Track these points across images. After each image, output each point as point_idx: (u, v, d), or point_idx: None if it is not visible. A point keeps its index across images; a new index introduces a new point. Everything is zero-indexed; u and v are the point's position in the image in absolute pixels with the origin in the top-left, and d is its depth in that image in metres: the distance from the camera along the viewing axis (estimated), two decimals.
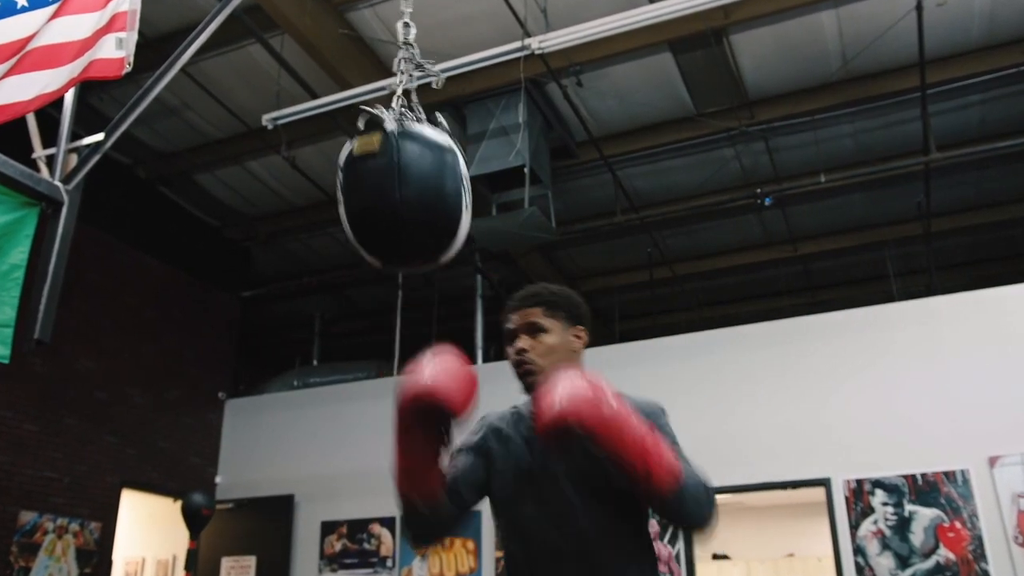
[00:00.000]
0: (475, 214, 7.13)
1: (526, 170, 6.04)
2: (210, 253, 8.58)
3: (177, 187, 8.00)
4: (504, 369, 1.91)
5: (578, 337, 1.85)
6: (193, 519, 6.45)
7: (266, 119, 6.09)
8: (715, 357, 6.52)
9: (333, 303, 10.10)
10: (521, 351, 1.80)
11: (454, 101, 6.47)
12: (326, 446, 7.61)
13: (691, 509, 1.56)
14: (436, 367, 1.57)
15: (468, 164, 7.03)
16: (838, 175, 6.86)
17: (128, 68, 2.62)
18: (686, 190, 7.66)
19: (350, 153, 1.90)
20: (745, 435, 6.12)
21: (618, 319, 9.72)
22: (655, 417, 1.71)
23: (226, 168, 7.72)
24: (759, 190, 6.83)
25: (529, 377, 1.78)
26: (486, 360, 7.97)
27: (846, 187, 7.43)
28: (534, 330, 1.81)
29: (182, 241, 8.22)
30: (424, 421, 1.57)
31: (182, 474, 7.59)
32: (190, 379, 7.94)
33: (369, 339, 10.75)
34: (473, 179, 6.19)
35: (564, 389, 1.49)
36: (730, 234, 8.58)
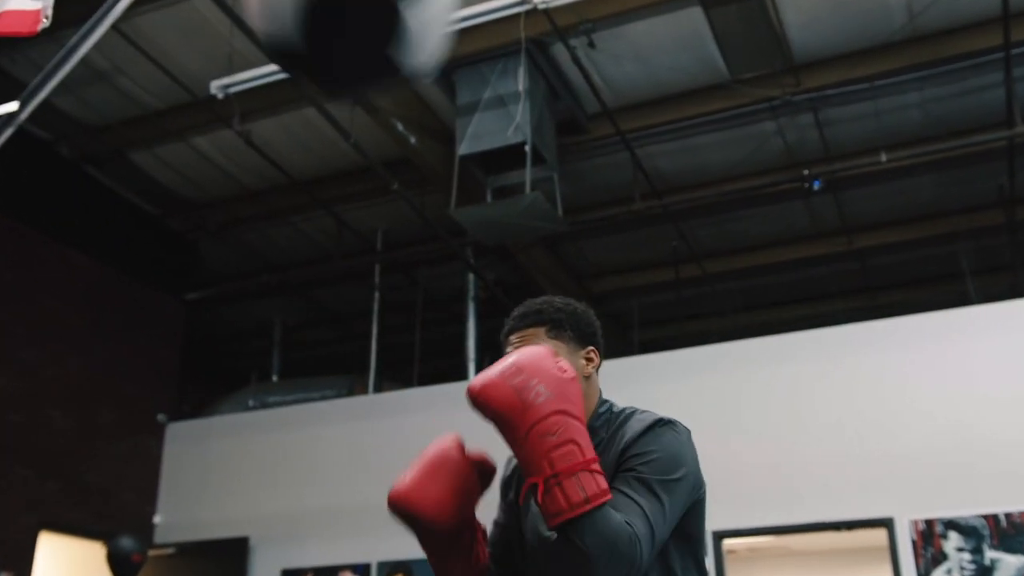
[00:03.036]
0: (468, 201, 7.07)
1: (527, 148, 6.03)
2: (149, 247, 8.57)
3: (108, 168, 7.99)
4: None
5: (589, 360, 1.86)
6: (121, 567, 6.40)
7: (215, 86, 6.07)
8: (754, 371, 6.51)
9: (297, 306, 10.09)
10: None
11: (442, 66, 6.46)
12: (288, 478, 7.59)
13: (591, 552, 1.47)
14: (419, 468, 1.74)
15: (459, 141, 6.85)
16: (902, 153, 6.86)
17: (46, 23, 2.61)
18: (719, 172, 7.65)
19: None
20: (790, 465, 6.10)
21: (638, 326, 9.72)
22: (642, 431, 1.70)
23: (168, 145, 7.71)
24: (806, 171, 6.83)
25: None
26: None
27: (912, 167, 7.42)
28: None
29: (115, 233, 8.20)
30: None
31: (113, 513, 7.57)
32: (124, 399, 7.93)
33: (340, 349, 10.74)
34: (465, 159, 6.27)
35: (493, 366, 1.59)
36: (771, 224, 8.58)
